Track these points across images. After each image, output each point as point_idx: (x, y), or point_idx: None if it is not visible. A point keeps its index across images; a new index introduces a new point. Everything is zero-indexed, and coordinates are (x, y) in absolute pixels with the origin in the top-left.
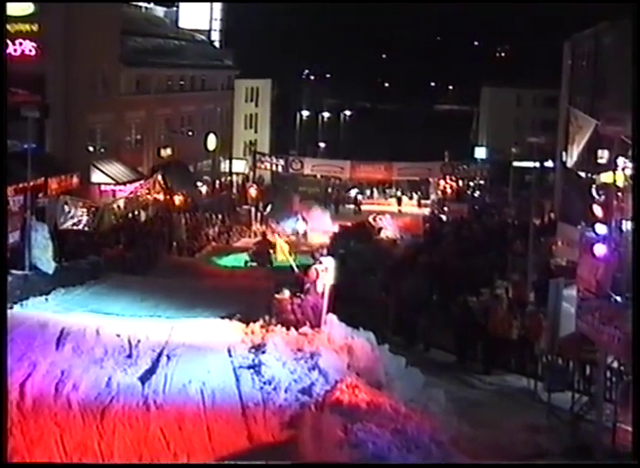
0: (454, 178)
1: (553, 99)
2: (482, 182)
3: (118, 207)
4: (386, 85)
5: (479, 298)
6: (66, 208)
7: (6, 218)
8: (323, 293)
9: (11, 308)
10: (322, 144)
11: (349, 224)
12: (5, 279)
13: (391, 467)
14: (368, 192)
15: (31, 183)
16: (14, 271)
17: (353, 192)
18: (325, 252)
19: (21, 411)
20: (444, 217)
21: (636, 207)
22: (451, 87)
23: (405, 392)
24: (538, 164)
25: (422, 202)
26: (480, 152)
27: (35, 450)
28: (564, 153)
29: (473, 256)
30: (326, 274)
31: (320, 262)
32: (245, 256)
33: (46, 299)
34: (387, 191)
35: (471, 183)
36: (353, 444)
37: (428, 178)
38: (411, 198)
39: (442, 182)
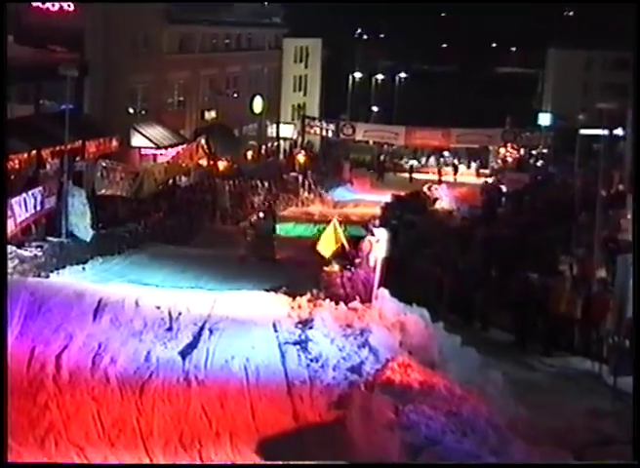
0: (515, 146)
1: (624, 62)
2: (545, 151)
3: (159, 172)
4: (444, 46)
5: (541, 274)
6: (105, 172)
7: (5, 211)
8: (375, 267)
9: (47, 277)
10: (375, 109)
11: (403, 194)
12: (5, 273)
13: (393, 467)
14: (423, 160)
15: (68, 146)
16: (50, 238)
17: (409, 161)
18: (377, 223)
19: (57, 385)
20: (504, 188)
21: (636, 207)
22: (514, 48)
23: (460, 373)
24: (606, 132)
25: (481, 171)
26: (544, 119)
27: (72, 426)
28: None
29: (535, 230)
30: (378, 246)
31: (372, 234)
32: (292, 225)
33: (83, 268)
34: (444, 159)
35: (534, 152)
36: (405, 426)
37: (488, 146)
38: (469, 167)
39: (502, 150)
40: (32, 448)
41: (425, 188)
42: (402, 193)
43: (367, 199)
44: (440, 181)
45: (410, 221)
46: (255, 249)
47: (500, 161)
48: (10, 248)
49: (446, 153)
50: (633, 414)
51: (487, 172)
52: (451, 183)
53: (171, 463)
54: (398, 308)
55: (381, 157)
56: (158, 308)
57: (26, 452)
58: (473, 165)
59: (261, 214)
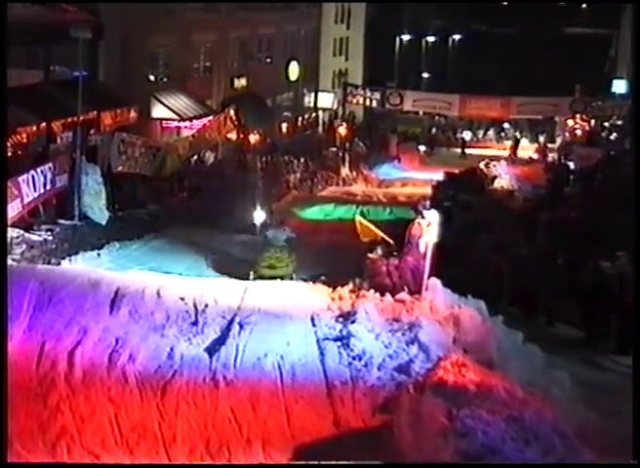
0: (585, 118)
1: None
2: (620, 123)
3: (183, 147)
4: (505, 3)
5: (614, 263)
6: (122, 147)
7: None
8: (425, 253)
9: (58, 264)
10: (426, 75)
11: (457, 172)
12: (5, 265)
13: (392, 467)
14: (480, 133)
15: (82, 118)
16: (61, 221)
17: (464, 134)
18: (428, 204)
19: (70, 385)
20: (572, 165)
21: (636, 201)
22: (585, 5)
23: (522, 373)
24: None
25: (546, 146)
26: (619, 86)
27: (86, 430)
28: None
29: (607, 213)
30: (429, 230)
31: (423, 217)
32: (331, 207)
33: (98, 255)
34: (503, 132)
35: (606, 124)
36: (459, 432)
37: (554, 117)
38: (532, 141)
39: (571, 122)
40: (42, 454)
41: (482, 165)
42: (456, 171)
43: (416, 177)
44: (500, 157)
45: (465, 202)
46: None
47: (567, 134)
48: (17, 231)
49: (506, 125)
50: (633, 414)
51: (553, 146)
52: (511, 159)
53: (171, 463)
54: (451, 300)
55: (433, 130)
56: (182, 299)
57: (36, 459)
58: (538, 139)
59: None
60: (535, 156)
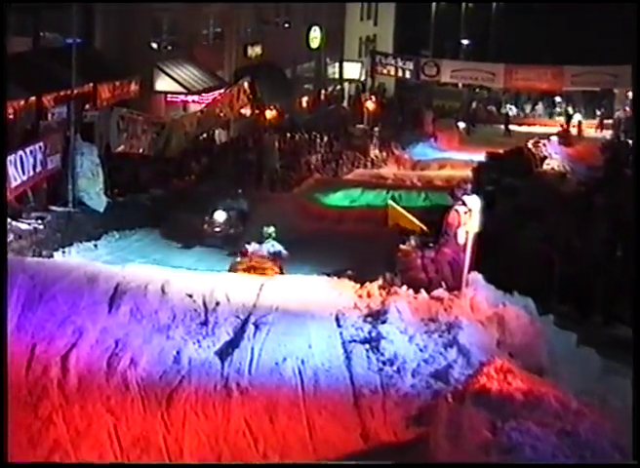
0: None
1: None
2: None
3: (190, 124)
4: None
5: None
6: (122, 124)
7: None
8: (465, 244)
9: (50, 256)
10: (465, 42)
11: (501, 152)
12: (5, 259)
13: (391, 467)
14: (528, 108)
15: (76, 91)
16: (53, 208)
17: (509, 109)
18: (468, 188)
19: (64, 393)
20: (632, 143)
21: (637, 203)
22: None
23: (576, 380)
24: None
25: (604, 121)
26: None
27: (82, 444)
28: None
29: None
30: (469, 218)
31: (462, 203)
32: (359, 192)
33: (95, 246)
34: (555, 106)
35: None
36: (505, 447)
37: (612, 89)
38: (588, 116)
39: (631, 94)
40: None
41: (531, 144)
42: (500, 150)
43: (455, 158)
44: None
45: (510, 187)
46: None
47: (628, 108)
48: None
49: (557, 98)
50: (633, 414)
51: (611, 122)
52: (563, 137)
53: (172, 463)
54: (495, 297)
55: (473, 104)
56: (190, 296)
57: None
58: (594, 113)
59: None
60: (590, 133)
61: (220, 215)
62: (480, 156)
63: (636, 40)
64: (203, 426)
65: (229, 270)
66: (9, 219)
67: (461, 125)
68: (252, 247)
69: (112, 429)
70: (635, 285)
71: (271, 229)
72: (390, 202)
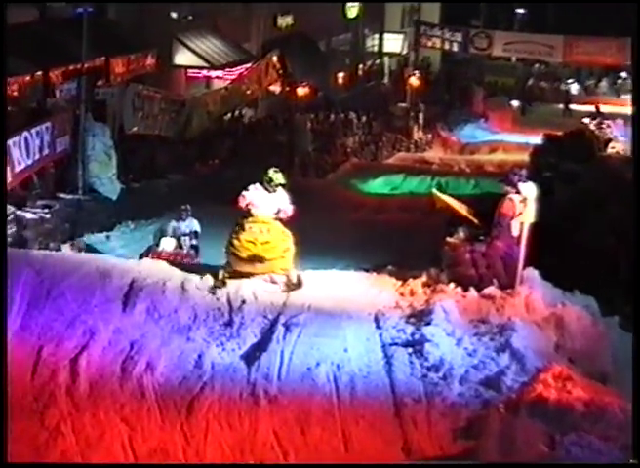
0: None
1: None
2: None
3: (213, 102)
4: None
5: None
6: (137, 102)
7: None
8: (519, 237)
9: (58, 249)
10: (520, 11)
11: (560, 133)
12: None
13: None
14: (590, 84)
15: (86, 65)
16: (62, 195)
17: (569, 85)
18: (523, 174)
19: (74, 400)
20: None
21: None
22: None
23: None
24: None
25: None
26: None
27: (93, 456)
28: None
29: None
30: (525, 208)
31: (516, 191)
32: (401, 178)
33: (107, 237)
34: (621, 82)
35: None
36: (563, 463)
37: None
38: None
39: None
40: None
41: (593, 125)
42: (559, 132)
43: (508, 140)
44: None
45: (571, 172)
46: None
47: None
48: (7, 208)
49: (623, 74)
50: (633, 414)
51: None
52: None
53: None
54: (553, 296)
55: (529, 80)
56: (213, 294)
57: None
58: None
59: None
60: None
61: (168, 244)
62: (537, 138)
63: (636, 40)
64: (227, 437)
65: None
66: (12, 208)
67: (516, 103)
68: (164, 243)
69: (127, 440)
70: (635, 289)
71: (274, 172)
72: (434, 190)
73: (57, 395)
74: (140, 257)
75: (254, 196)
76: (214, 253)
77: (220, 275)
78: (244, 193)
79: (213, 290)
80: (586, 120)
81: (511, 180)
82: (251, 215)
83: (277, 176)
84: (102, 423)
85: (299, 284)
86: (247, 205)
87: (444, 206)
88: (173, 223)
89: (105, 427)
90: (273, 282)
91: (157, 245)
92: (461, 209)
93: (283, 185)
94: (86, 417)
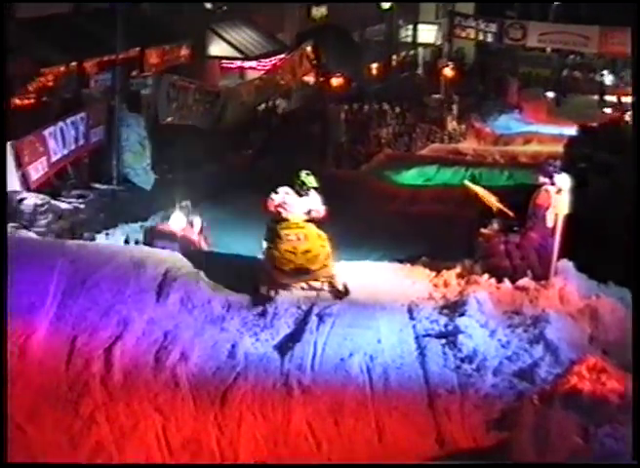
0: None
1: None
2: None
3: (247, 93)
4: None
5: None
6: (172, 93)
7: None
8: (554, 228)
9: (92, 239)
10: (555, 1)
11: (595, 125)
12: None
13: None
14: (626, 75)
15: (121, 56)
16: (96, 185)
17: (605, 76)
18: (557, 165)
19: (108, 389)
20: None
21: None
22: None
23: None
24: None
25: None
26: None
27: (127, 446)
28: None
29: None
30: (559, 199)
31: (551, 182)
32: (434, 169)
33: (142, 227)
34: None
35: None
36: (598, 455)
37: None
38: None
39: None
40: None
41: (628, 116)
42: (594, 123)
43: (542, 131)
44: None
45: (605, 164)
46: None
47: None
48: (42, 198)
49: None
50: (633, 414)
51: None
52: None
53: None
54: (588, 288)
55: (564, 71)
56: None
57: None
58: None
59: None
60: None
61: (177, 220)
62: (571, 129)
63: (636, 40)
64: (260, 428)
65: None
66: (47, 198)
67: (550, 94)
68: (173, 220)
69: (160, 430)
70: (635, 289)
71: (306, 176)
72: (466, 182)
73: (91, 384)
74: (145, 238)
75: (284, 199)
76: (249, 241)
77: (263, 290)
78: (273, 196)
79: (255, 305)
80: (608, 110)
81: (546, 171)
82: (283, 220)
83: (309, 180)
84: (136, 413)
85: (345, 292)
86: (277, 207)
87: (476, 197)
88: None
89: (139, 417)
90: (314, 289)
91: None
92: (493, 200)
93: (315, 188)
94: (120, 407)
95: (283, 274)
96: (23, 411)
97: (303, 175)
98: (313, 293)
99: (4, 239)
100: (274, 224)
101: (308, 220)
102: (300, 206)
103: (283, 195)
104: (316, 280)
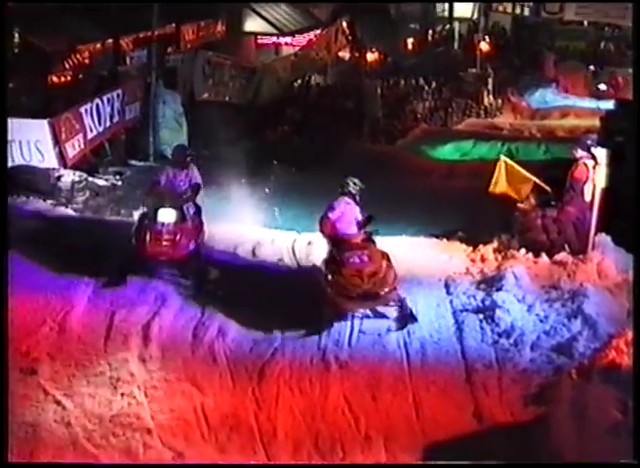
0: None
1: None
2: None
3: (283, 68)
4: None
5: None
6: (207, 69)
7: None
8: (592, 202)
9: (129, 215)
10: None
11: (631, 98)
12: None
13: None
14: None
15: (157, 32)
16: (133, 162)
17: None
18: (595, 139)
19: (145, 366)
20: None
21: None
22: None
23: None
24: None
25: None
26: None
27: (166, 422)
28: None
29: None
30: (597, 173)
31: (590, 156)
32: (470, 144)
33: None
34: None
35: None
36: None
37: None
38: None
39: None
40: (114, 451)
41: None
42: (629, 96)
43: (580, 105)
44: None
45: None
46: None
47: None
48: (79, 175)
49: None
50: (633, 414)
51: None
52: None
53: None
54: (626, 262)
55: (602, 44)
56: (280, 261)
57: (106, 457)
58: None
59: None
60: None
61: (167, 215)
62: (609, 103)
63: (636, 39)
64: (298, 403)
65: None
66: (85, 175)
67: (591, 68)
68: (162, 215)
69: (199, 406)
70: (635, 289)
71: (355, 181)
72: (503, 157)
73: (129, 360)
74: (137, 235)
75: (338, 217)
76: (287, 216)
77: (327, 317)
78: (329, 215)
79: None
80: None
81: (584, 145)
82: (342, 242)
83: (356, 181)
84: (174, 388)
85: (412, 316)
86: (332, 228)
87: (512, 172)
88: (169, 171)
89: (177, 391)
90: (380, 315)
91: (154, 219)
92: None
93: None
94: (158, 383)
95: (348, 300)
96: (63, 387)
97: (350, 177)
98: (382, 323)
99: (4, 239)
100: (331, 246)
101: (366, 238)
102: (350, 218)
103: (337, 211)
104: (386, 305)
